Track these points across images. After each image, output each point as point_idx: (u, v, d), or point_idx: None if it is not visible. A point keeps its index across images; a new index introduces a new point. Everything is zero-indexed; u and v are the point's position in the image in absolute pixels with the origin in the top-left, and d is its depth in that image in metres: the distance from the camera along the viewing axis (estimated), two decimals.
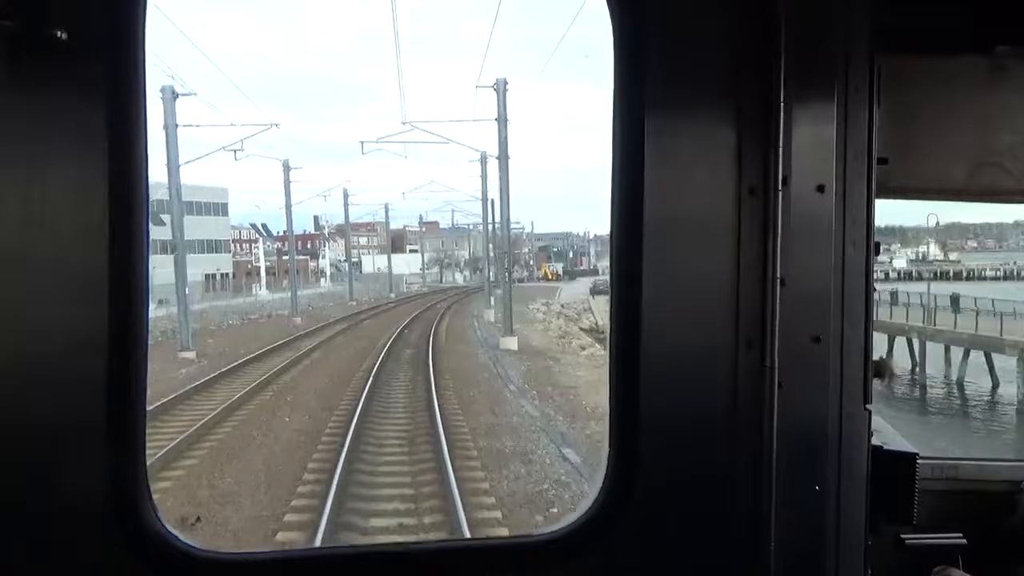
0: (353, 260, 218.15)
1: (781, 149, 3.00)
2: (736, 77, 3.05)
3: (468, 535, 17.06)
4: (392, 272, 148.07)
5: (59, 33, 2.66)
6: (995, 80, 3.60)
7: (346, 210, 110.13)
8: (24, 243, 2.73)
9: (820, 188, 3.08)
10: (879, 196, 3.21)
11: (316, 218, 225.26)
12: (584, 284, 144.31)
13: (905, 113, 3.47)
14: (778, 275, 3.03)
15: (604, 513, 3.15)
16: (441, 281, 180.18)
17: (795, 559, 3.12)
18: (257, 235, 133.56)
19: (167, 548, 2.96)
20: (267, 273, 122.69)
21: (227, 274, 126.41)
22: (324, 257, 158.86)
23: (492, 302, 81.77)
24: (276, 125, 70.07)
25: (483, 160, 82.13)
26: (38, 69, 2.69)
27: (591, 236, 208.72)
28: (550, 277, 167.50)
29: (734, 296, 3.07)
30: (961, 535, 3.52)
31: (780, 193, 3.01)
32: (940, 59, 3.55)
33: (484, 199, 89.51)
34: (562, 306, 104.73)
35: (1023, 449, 41.78)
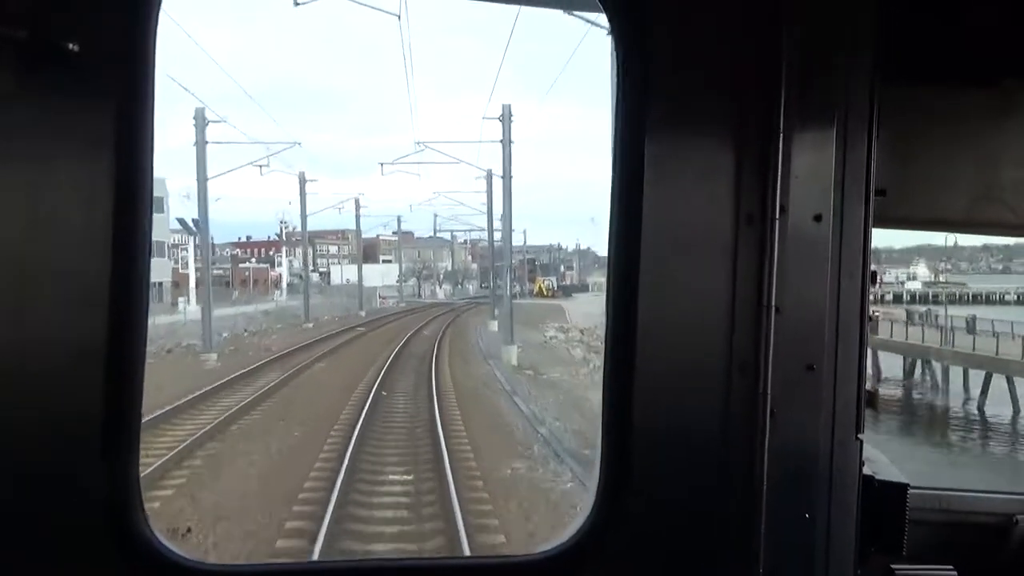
0: (321, 270, 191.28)
1: (780, 177, 2.93)
2: (737, 104, 2.97)
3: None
4: (364, 285, 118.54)
5: (71, 45, 2.62)
6: (998, 114, 3.50)
7: (303, 207, 79.58)
8: (30, 248, 2.68)
9: (817, 218, 3.00)
10: (877, 226, 3.10)
11: (282, 224, 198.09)
12: (585, 302, 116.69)
13: (905, 144, 3.39)
14: (773, 303, 2.95)
15: (594, 533, 3.04)
16: (420, 295, 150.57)
17: None
18: (186, 234, 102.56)
19: (157, 558, 2.85)
20: (200, 283, 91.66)
21: (161, 284, 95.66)
22: (280, 265, 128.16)
23: (510, 332, 52.15)
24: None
25: (506, 141, 53.49)
26: (49, 80, 2.65)
27: (579, 248, 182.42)
28: (545, 293, 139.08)
29: (729, 322, 2.97)
30: (952, 567, 3.37)
31: (777, 221, 2.94)
32: (942, 91, 3.45)
33: (508, 187, 61.71)
34: (581, 332, 76.92)
35: (1016, 481, 35.89)
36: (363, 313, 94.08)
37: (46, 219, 2.67)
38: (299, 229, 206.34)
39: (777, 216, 2.92)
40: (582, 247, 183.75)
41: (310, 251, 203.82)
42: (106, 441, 2.73)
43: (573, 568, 3.03)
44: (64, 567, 2.76)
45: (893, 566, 3.24)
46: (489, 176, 73.02)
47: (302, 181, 75.52)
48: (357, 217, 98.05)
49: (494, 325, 75.32)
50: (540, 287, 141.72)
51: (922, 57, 3.28)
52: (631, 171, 2.95)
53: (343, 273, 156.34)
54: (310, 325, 72.88)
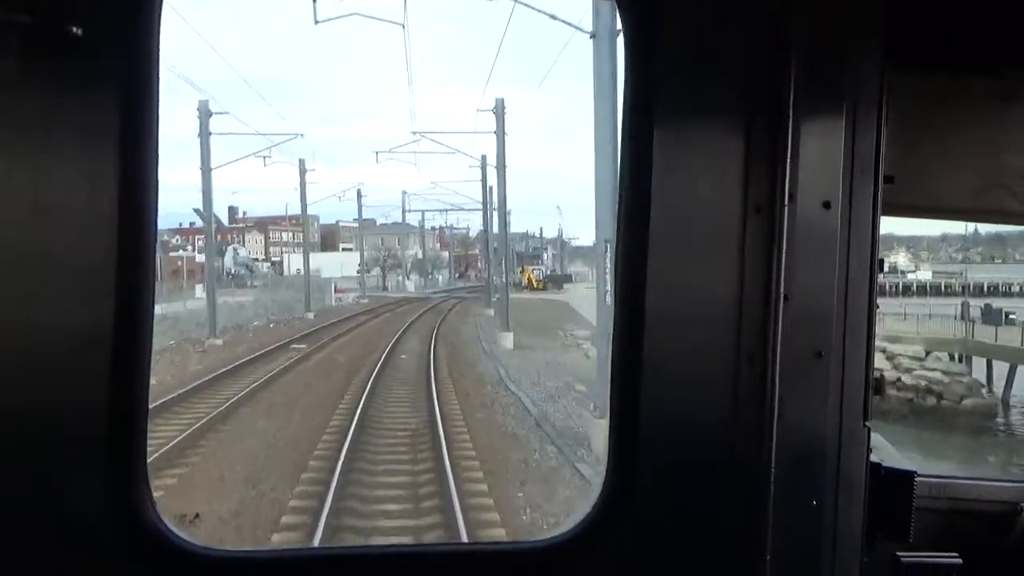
0: (274, 259, 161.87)
1: (788, 165, 2.81)
2: (745, 92, 2.83)
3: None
4: (320, 276, 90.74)
5: (74, 29, 2.48)
6: (1006, 102, 3.36)
7: (204, 152, 48.92)
8: (33, 237, 2.55)
9: (826, 205, 2.87)
10: (885, 214, 2.99)
11: (232, 209, 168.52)
12: (583, 295, 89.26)
13: (913, 132, 3.24)
14: (782, 290, 2.82)
15: (601, 520, 2.92)
16: (384, 288, 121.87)
17: (790, 573, 2.91)
18: None
19: (166, 546, 2.73)
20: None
21: None
22: (190, 248, 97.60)
23: (604, 395, 23.77)
24: None
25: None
26: (52, 65, 2.52)
27: (562, 237, 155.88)
28: (535, 285, 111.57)
29: (737, 310, 2.84)
30: (957, 555, 3.19)
31: (786, 209, 2.82)
32: (951, 79, 3.30)
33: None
34: None
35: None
36: (311, 315, 65.44)
37: (50, 208, 2.53)
38: (249, 214, 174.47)
39: (786, 203, 2.80)
40: (564, 236, 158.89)
41: (260, 239, 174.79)
42: (113, 430, 2.61)
43: (581, 554, 2.90)
44: (72, 556, 2.63)
45: (899, 554, 3.10)
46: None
47: (203, 112, 45.77)
48: (302, 186, 68.56)
49: (508, 340, 47.33)
50: (529, 278, 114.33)
51: (931, 44, 3.14)
52: (639, 159, 2.82)
53: (299, 263, 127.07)
54: (219, 342, 44.20)
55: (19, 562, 2.61)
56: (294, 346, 42.85)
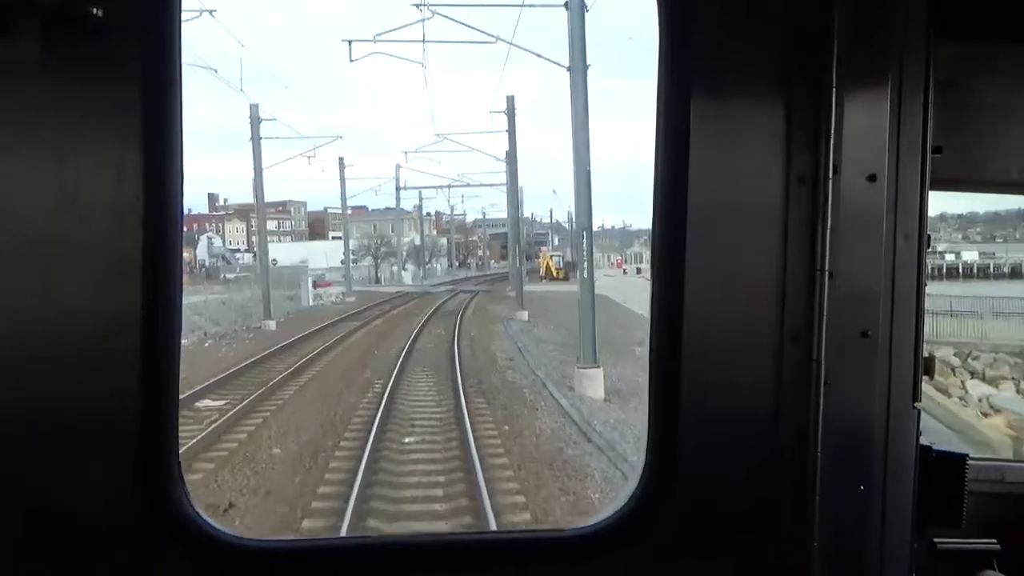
0: (256, 249, 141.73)
1: (832, 137, 2.68)
2: (787, 62, 2.70)
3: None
4: (307, 267, 71.42)
5: (94, 10, 2.43)
6: None
7: None
8: (57, 223, 2.48)
9: (871, 178, 2.73)
10: (931, 187, 2.85)
11: (211, 196, 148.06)
12: (616, 286, 68.98)
13: (960, 102, 3.09)
14: (827, 267, 2.70)
15: (642, 508, 2.82)
16: (377, 280, 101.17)
17: (838, 559, 2.79)
18: None
19: (198, 535, 2.69)
20: None
21: None
22: None
23: None
24: None
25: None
26: (72, 46, 2.45)
27: (571, 222, 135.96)
28: (556, 275, 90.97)
29: (780, 288, 2.73)
30: (995, 540, 3.05)
31: (830, 182, 2.68)
32: (998, 48, 3.15)
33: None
34: None
35: None
36: (272, 325, 44.77)
37: (75, 192, 2.46)
38: (228, 201, 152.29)
39: (830, 176, 2.65)
40: (571, 220, 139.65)
41: (242, 227, 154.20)
42: (144, 416, 2.56)
43: (621, 542, 2.78)
44: (105, 547, 2.58)
45: (936, 540, 2.97)
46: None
47: None
48: (255, 142, 47.45)
49: (595, 383, 26.86)
50: (548, 266, 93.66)
51: (977, 13, 2.98)
52: (676, 132, 2.68)
53: (281, 252, 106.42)
54: None
55: (52, 552, 2.55)
56: (204, 403, 22.45)
